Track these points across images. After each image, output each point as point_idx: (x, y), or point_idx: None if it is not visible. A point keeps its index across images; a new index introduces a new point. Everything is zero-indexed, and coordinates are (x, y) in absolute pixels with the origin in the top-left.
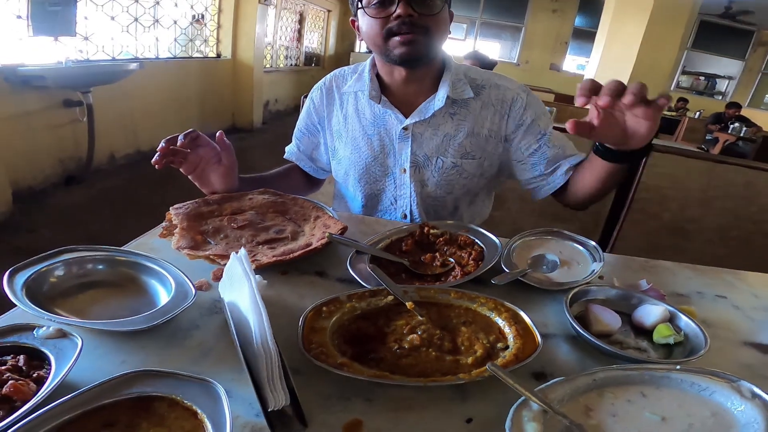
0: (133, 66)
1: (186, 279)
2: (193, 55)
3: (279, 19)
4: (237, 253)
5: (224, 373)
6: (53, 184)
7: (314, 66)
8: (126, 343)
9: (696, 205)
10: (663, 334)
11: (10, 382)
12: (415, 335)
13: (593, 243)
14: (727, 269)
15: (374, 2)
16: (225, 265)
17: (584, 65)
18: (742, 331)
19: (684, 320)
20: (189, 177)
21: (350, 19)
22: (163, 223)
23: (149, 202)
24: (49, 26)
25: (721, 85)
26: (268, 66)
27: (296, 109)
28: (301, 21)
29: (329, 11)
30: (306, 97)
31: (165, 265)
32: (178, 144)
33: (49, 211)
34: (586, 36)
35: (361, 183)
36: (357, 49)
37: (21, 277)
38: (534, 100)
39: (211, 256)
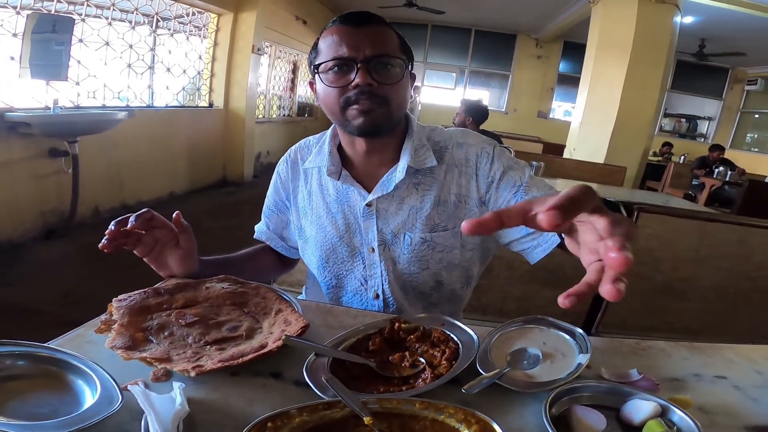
0: (122, 115)
1: (113, 382)
2: (185, 104)
3: (272, 69)
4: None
5: None
6: (33, 238)
7: (307, 116)
8: None
9: (689, 265)
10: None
11: None
12: None
13: (580, 331)
14: (726, 345)
15: (331, 68)
16: (163, 367)
17: (570, 111)
18: (743, 415)
19: (677, 414)
20: (144, 260)
21: (308, 81)
22: (103, 316)
23: (130, 260)
24: (42, 69)
25: (702, 127)
26: (260, 116)
27: None
28: (294, 70)
29: None
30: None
31: (90, 364)
32: (129, 226)
33: (26, 265)
34: (570, 81)
35: (329, 264)
36: None
37: None
38: (501, 152)
39: (148, 359)
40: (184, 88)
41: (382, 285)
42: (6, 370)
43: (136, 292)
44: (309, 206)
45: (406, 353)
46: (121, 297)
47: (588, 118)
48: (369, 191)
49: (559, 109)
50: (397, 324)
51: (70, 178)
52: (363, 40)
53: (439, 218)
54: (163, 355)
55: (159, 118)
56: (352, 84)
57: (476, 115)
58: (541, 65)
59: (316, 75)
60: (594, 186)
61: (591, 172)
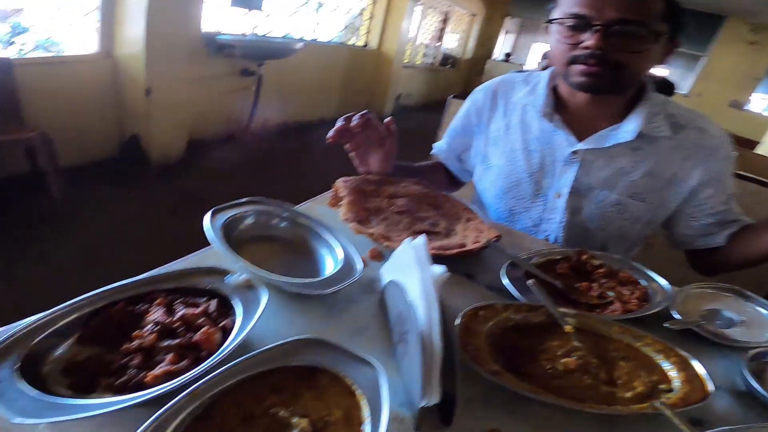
0: (298, 45)
1: (355, 252)
2: (344, 42)
3: (424, 17)
4: (413, 239)
5: (375, 354)
6: (217, 140)
7: (449, 67)
8: (293, 304)
9: None
10: None
11: (204, 328)
12: (570, 359)
13: None
14: None
15: (568, 23)
16: (386, 245)
17: None
18: None
19: None
20: (350, 154)
21: (543, 24)
22: (329, 192)
23: (287, 169)
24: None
25: None
26: (406, 61)
27: (424, 107)
28: (444, 21)
29: (474, 15)
30: (454, 97)
31: (336, 234)
32: (353, 123)
33: (210, 161)
34: None
35: (507, 197)
36: (494, 57)
37: (220, 219)
38: (734, 155)
39: (375, 235)
40: (346, 26)
41: (557, 232)
42: (271, 230)
43: (353, 177)
44: (503, 137)
45: (593, 284)
46: (344, 178)
47: None
48: (578, 139)
49: (761, 102)
50: (584, 255)
51: (252, 95)
52: None
53: (644, 188)
54: (385, 233)
55: (321, 52)
56: (583, 45)
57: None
58: (751, 52)
59: (551, 24)
60: None
61: None
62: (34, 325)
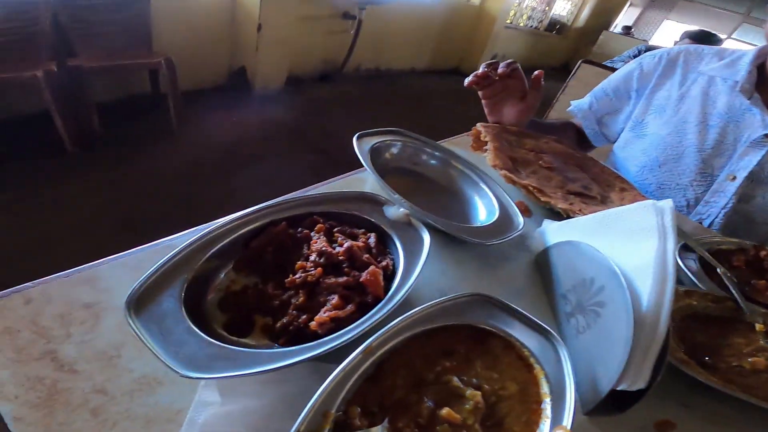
0: None
1: (510, 203)
2: None
3: None
4: (657, 202)
5: None
6: (311, 78)
7: (555, 34)
8: (446, 251)
9: None
10: None
11: (371, 268)
12: (759, 358)
13: None
14: None
15: None
16: (544, 200)
17: None
18: None
19: None
20: (483, 101)
21: None
22: (468, 134)
23: (376, 112)
24: None
25: None
26: (509, 21)
27: (523, 69)
28: None
29: None
30: (584, 62)
31: (488, 180)
32: (499, 71)
33: (305, 97)
34: None
35: (660, 170)
36: (611, 29)
37: (366, 144)
38: None
39: (530, 187)
40: None
41: (716, 217)
42: (418, 165)
43: (491, 124)
44: (672, 107)
45: None
46: (484, 123)
47: None
48: None
49: None
50: (763, 252)
51: (350, 38)
52: None
53: None
54: (540, 186)
55: (421, 2)
56: None
57: (701, 41)
58: None
59: None
60: None
61: None
62: (197, 243)
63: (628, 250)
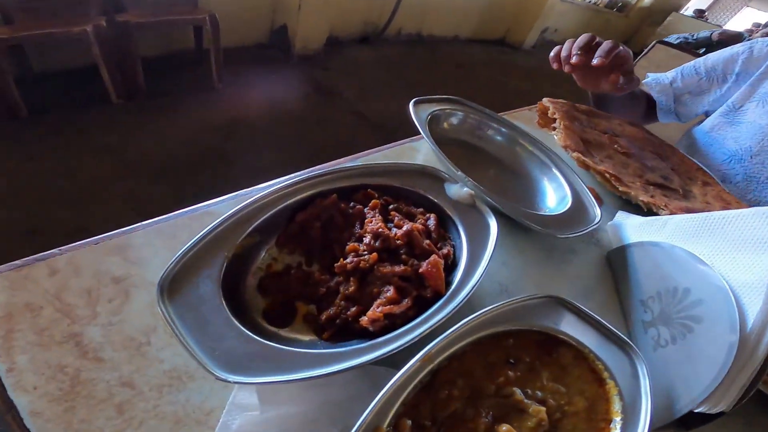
0: None
1: (584, 190)
2: None
3: None
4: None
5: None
6: (351, 40)
7: (615, 11)
8: (508, 238)
9: None
10: None
11: (432, 258)
12: None
13: None
14: None
15: None
16: (622, 190)
17: None
18: None
19: None
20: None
21: None
22: (532, 108)
23: (415, 79)
24: None
25: None
26: None
27: None
28: None
29: None
30: (660, 42)
31: (564, 168)
32: (596, 62)
33: (343, 58)
34: None
35: (752, 160)
36: (683, 11)
37: (424, 112)
38: None
39: (606, 173)
40: None
41: None
42: (478, 138)
43: (559, 100)
44: None
45: None
46: (551, 99)
47: None
48: None
49: None
50: None
51: (393, 1)
52: None
53: None
54: (617, 173)
55: None
56: None
57: None
58: None
59: None
60: None
61: None
62: (239, 215)
63: (737, 262)
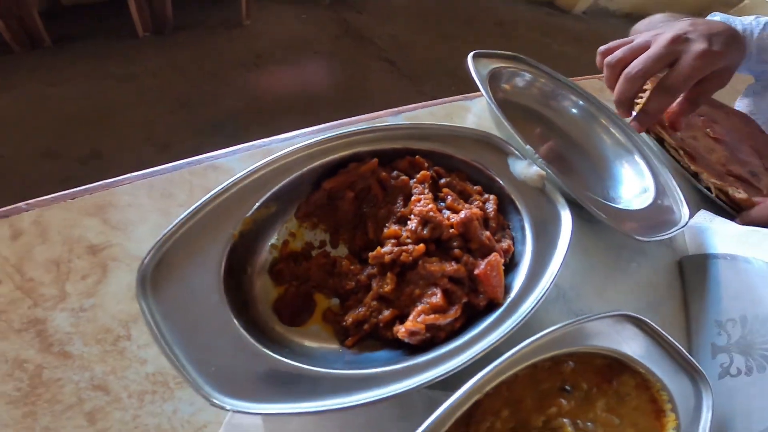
0: None
1: (672, 181)
2: None
3: None
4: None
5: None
6: None
7: None
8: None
9: None
10: None
11: (492, 257)
12: None
13: None
14: None
15: None
16: (693, 168)
17: None
18: None
19: None
20: None
21: None
22: (601, 76)
23: (450, 33)
24: None
25: None
26: None
27: (629, 18)
28: None
29: None
30: None
31: (649, 153)
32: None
33: (377, 2)
34: None
35: None
36: None
37: (484, 68)
38: None
39: (681, 150)
40: None
41: None
42: (546, 107)
43: None
44: None
45: None
46: None
47: None
48: None
49: None
50: None
51: None
52: None
53: None
54: (692, 151)
55: None
56: None
57: None
58: None
59: None
60: None
61: None
62: (251, 178)
63: None
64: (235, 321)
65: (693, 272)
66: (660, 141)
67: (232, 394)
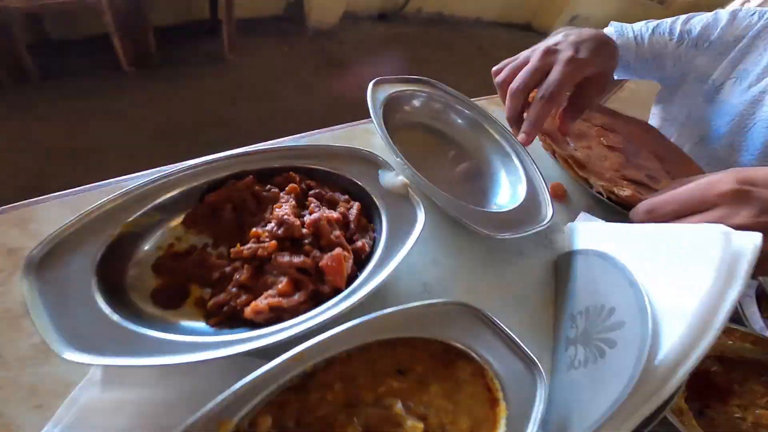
0: None
1: (542, 184)
2: None
3: None
4: (733, 233)
5: (529, 342)
6: (369, 16)
7: (655, 1)
8: (442, 230)
9: None
10: None
11: (336, 251)
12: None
13: None
14: None
15: None
16: (581, 174)
17: None
18: None
19: None
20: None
21: None
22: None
23: (429, 60)
24: None
25: None
26: None
27: None
28: None
29: None
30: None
31: (525, 158)
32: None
33: (359, 34)
34: None
35: (720, 142)
36: (729, 7)
37: (381, 93)
38: None
39: (570, 159)
40: None
41: None
42: (439, 122)
43: None
44: (755, 76)
45: None
46: None
47: None
48: None
49: None
50: None
51: None
52: None
53: None
54: (584, 162)
55: None
56: None
57: None
58: None
59: None
60: None
61: None
62: (140, 190)
63: (674, 283)
64: (97, 297)
65: (561, 269)
66: (553, 153)
67: (80, 350)
